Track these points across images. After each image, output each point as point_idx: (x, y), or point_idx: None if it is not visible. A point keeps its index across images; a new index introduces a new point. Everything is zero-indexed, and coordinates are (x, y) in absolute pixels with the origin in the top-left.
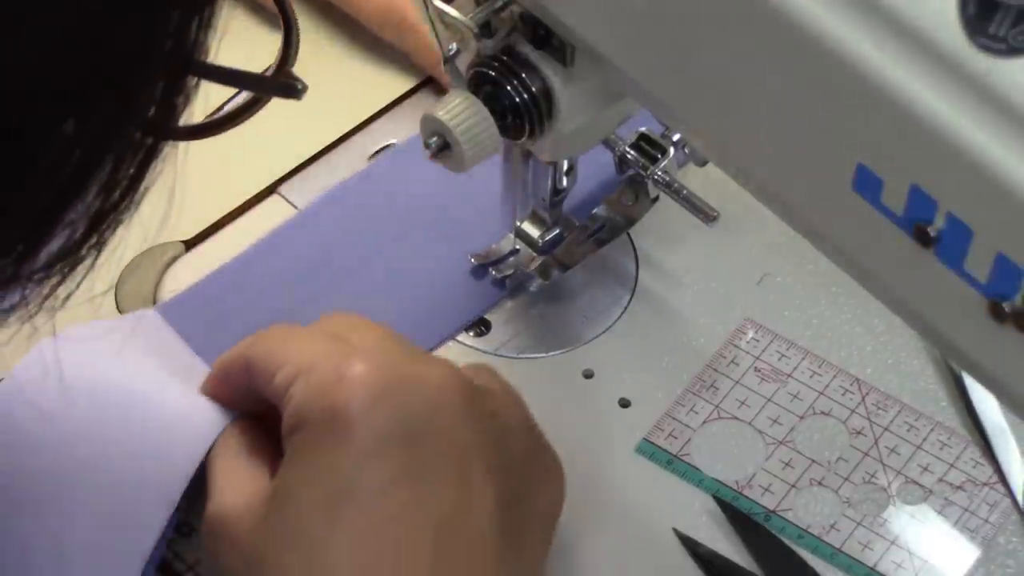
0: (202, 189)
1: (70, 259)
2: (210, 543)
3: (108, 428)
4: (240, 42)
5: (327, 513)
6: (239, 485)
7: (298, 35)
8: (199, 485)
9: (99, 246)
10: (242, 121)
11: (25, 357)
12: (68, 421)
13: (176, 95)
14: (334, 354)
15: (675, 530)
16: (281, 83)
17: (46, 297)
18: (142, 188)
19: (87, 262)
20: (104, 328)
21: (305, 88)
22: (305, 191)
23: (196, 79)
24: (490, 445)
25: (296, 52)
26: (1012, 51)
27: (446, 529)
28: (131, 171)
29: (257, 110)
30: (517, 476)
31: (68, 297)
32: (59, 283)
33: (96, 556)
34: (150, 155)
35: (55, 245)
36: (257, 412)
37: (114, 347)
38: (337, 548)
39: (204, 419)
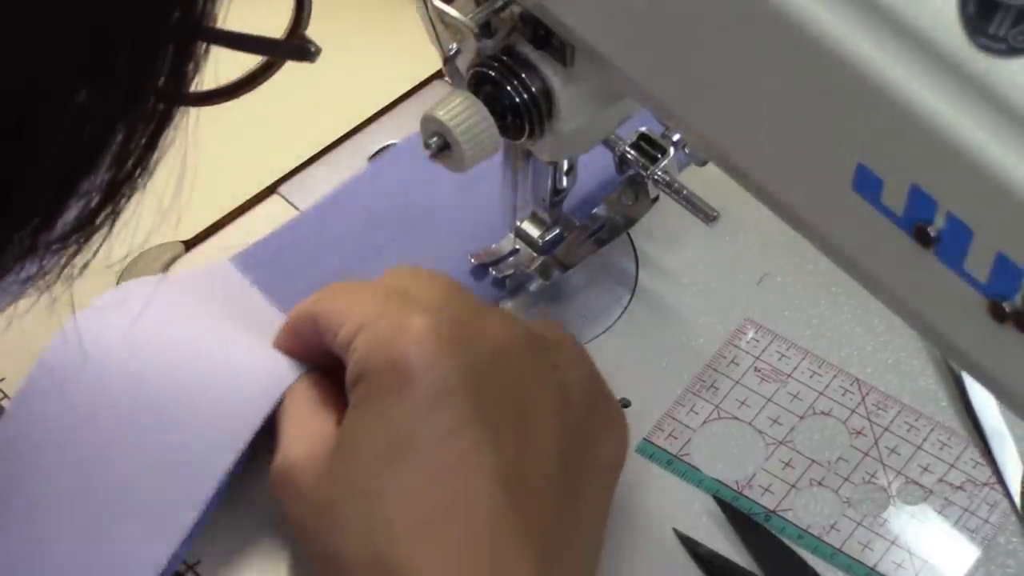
0: (202, 189)
1: (86, 229)
2: (277, 493)
3: (175, 378)
4: (252, 6)
5: (386, 465)
6: (306, 436)
7: None
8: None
9: (114, 215)
10: (254, 87)
11: (100, 299)
12: (133, 366)
13: (186, 63)
14: (396, 307)
15: (675, 530)
16: (294, 46)
17: (64, 267)
18: (155, 157)
19: (103, 231)
20: (181, 279)
21: (319, 51)
22: (305, 191)
23: (206, 45)
24: (551, 397)
25: (309, 14)
26: (1012, 51)
27: (505, 481)
28: (143, 140)
29: (270, 75)
30: (579, 428)
31: (85, 266)
32: (76, 252)
33: (159, 495)
34: (162, 124)
35: (71, 215)
36: (328, 366)
37: (189, 299)
38: (395, 500)
39: (275, 371)
